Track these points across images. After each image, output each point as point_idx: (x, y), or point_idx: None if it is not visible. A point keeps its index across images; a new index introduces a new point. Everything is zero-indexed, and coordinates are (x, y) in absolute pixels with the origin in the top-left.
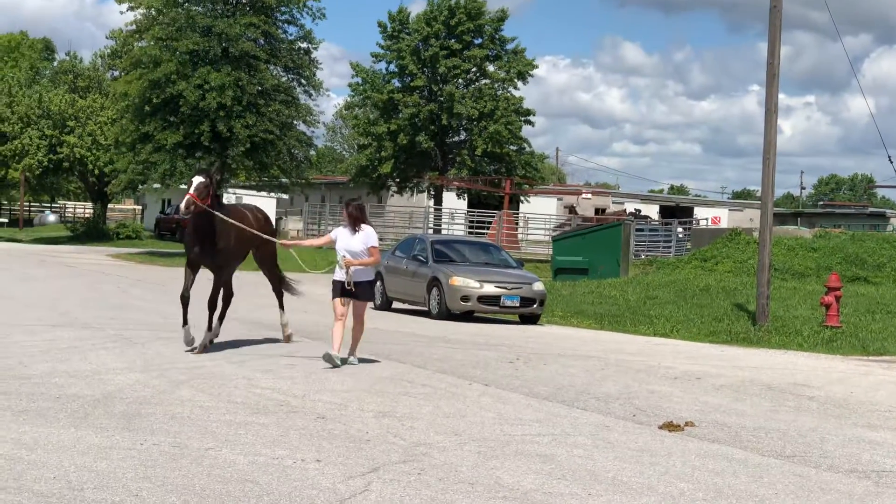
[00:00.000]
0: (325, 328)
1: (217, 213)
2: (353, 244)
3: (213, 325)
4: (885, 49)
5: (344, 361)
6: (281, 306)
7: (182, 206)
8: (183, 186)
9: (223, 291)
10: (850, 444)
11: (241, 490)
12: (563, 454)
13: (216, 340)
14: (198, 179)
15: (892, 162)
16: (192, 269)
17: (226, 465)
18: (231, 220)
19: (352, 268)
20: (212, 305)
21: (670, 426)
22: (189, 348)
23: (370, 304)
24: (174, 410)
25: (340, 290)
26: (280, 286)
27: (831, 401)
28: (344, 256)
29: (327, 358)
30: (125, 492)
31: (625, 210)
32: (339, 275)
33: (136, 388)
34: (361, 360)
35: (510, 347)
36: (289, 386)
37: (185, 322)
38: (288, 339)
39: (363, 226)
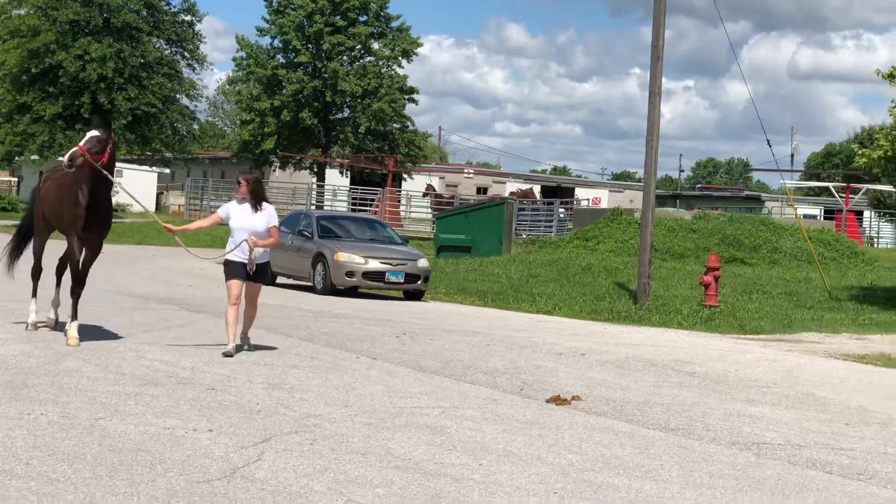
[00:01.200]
0: (210, 301)
1: (112, 177)
2: (256, 223)
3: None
4: (763, 36)
5: (239, 348)
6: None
7: (65, 159)
8: (60, 158)
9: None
10: (732, 418)
11: (134, 459)
12: (452, 426)
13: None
14: (92, 133)
15: (770, 145)
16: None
17: (117, 435)
18: (128, 191)
19: (256, 250)
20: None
21: (557, 400)
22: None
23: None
24: (61, 381)
25: (240, 272)
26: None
27: (712, 377)
28: (251, 238)
29: (227, 354)
30: (15, 460)
31: (519, 189)
32: (236, 255)
33: (20, 359)
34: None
35: (396, 323)
36: (177, 358)
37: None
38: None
39: (264, 204)
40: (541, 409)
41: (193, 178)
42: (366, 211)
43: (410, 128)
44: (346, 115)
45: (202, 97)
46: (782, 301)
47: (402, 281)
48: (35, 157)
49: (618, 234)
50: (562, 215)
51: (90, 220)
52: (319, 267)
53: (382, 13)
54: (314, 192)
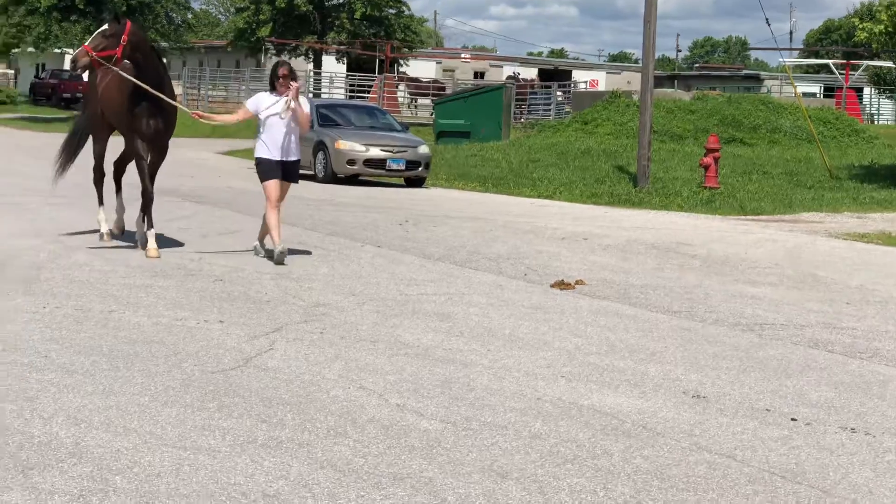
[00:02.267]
0: (211, 192)
1: (122, 71)
2: (288, 114)
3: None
4: None
5: (269, 252)
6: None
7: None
8: (57, 50)
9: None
10: (734, 300)
11: (149, 351)
12: (459, 312)
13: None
14: (100, 29)
15: (768, 23)
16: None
17: (130, 328)
18: (126, 76)
19: (292, 143)
20: (143, 190)
21: (561, 284)
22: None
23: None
24: (73, 274)
25: (276, 171)
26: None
27: (713, 258)
28: (290, 137)
29: (278, 257)
30: (34, 353)
31: (512, 74)
32: (266, 153)
33: (31, 253)
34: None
35: (398, 210)
36: (184, 250)
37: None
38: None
39: (300, 97)
40: (545, 294)
41: (190, 68)
42: (364, 98)
43: (406, 13)
44: (341, 1)
45: None
46: (782, 181)
47: (403, 168)
48: (31, 49)
49: (616, 116)
50: (560, 98)
51: (150, 117)
52: (320, 155)
53: None
54: (311, 80)
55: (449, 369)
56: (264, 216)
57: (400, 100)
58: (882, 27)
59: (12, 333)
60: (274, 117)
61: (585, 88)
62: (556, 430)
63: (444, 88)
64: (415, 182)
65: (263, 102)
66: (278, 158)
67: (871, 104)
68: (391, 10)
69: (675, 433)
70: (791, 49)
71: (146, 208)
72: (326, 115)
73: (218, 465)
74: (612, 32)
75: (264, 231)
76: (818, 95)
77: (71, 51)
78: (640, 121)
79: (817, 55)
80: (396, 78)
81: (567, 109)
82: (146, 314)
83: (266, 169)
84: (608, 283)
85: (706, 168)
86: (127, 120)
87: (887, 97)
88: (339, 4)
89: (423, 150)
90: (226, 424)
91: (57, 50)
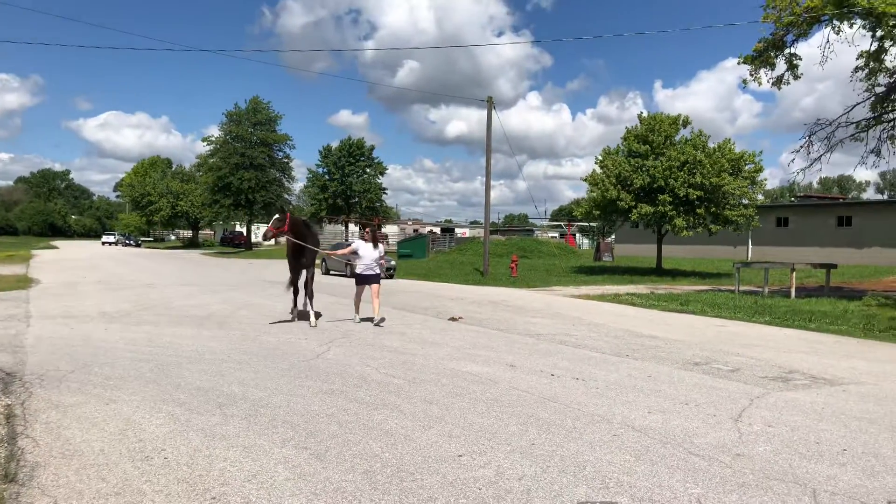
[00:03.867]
0: (327, 287)
1: (290, 237)
2: (374, 254)
3: (302, 302)
4: (530, 160)
5: (363, 321)
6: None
7: (262, 235)
8: (232, 223)
9: (307, 279)
10: (526, 323)
11: (275, 352)
12: (409, 331)
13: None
14: (274, 217)
15: (536, 207)
16: (293, 270)
17: (265, 343)
18: (294, 240)
19: (374, 266)
20: (306, 292)
21: (453, 319)
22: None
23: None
24: (240, 320)
25: (363, 280)
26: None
27: (516, 306)
28: (381, 263)
29: (357, 320)
30: (224, 356)
31: (430, 230)
32: (361, 270)
33: (221, 311)
34: (363, 319)
35: (382, 289)
36: (288, 308)
37: (296, 305)
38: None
39: (378, 244)
40: (446, 324)
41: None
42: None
43: (384, 205)
44: (356, 199)
45: (294, 193)
46: (544, 273)
47: (385, 272)
48: (220, 222)
49: (474, 247)
50: (450, 240)
51: (304, 257)
52: (348, 267)
53: (372, 155)
54: (343, 234)
55: (405, 357)
56: (355, 300)
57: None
58: (583, 210)
59: (214, 347)
60: (365, 255)
61: (460, 235)
62: (451, 382)
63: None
64: (389, 276)
65: (360, 245)
66: (365, 273)
67: (578, 240)
68: (377, 204)
69: (502, 382)
70: (545, 218)
71: (310, 297)
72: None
73: (307, 401)
74: (473, 211)
75: (357, 308)
76: (557, 237)
77: (238, 224)
78: (484, 248)
79: (557, 219)
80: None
81: (453, 245)
82: (273, 337)
83: (358, 279)
84: (473, 318)
85: (512, 268)
86: (293, 259)
87: (585, 236)
88: (355, 202)
89: (392, 262)
90: (307, 383)
91: (232, 223)
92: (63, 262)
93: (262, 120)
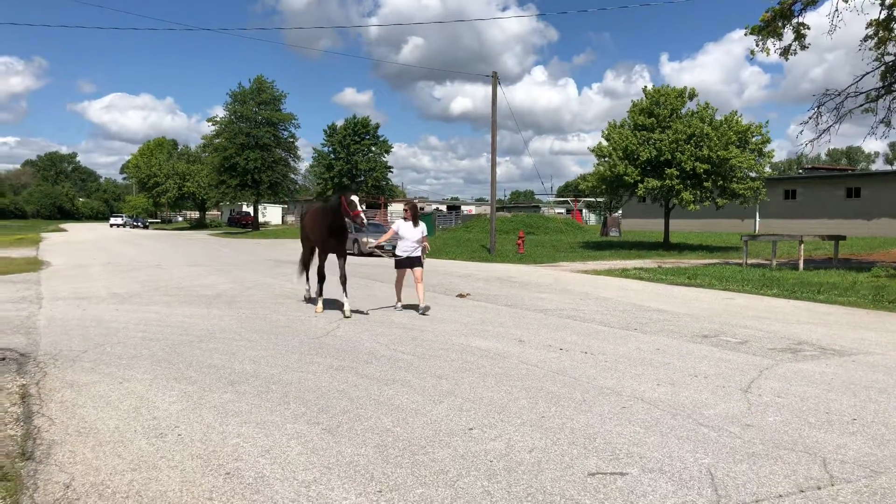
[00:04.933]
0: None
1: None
2: (416, 234)
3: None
4: (535, 136)
5: (405, 308)
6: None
7: (364, 220)
8: (240, 204)
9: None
10: (534, 299)
11: (285, 330)
12: (410, 318)
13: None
14: (356, 198)
15: (543, 183)
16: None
17: (275, 321)
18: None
19: (416, 248)
20: (340, 277)
21: (461, 295)
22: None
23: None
24: (249, 299)
25: (404, 264)
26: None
27: (523, 282)
28: (423, 245)
29: (398, 307)
30: (234, 334)
31: (436, 208)
32: (402, 252)
33: (230, 290)
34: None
35: (387, 266)
36: (297, 287)
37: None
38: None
39: (419, 222)
40: (454, 300)
41: (297, 209)
42: (373, 219)
43: (390, 183)
44: (362, 178)
45: (300, 173)
46: (551, 249)
47: (391, 249)
48: (227, 203)
49: (480, 224)
50: (456, 218)
51: (339, 240)
52: (356, 245)
53: (377, 133)
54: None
55: (414, 333)
56: (395, 285)
57: (389, 219)
58: (589, 184)
59: (224, 325)
60: (406, 236)
61: (466, 213)
62: (460, 356)
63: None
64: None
65: (401, 225)
66: (406, 256)
67: (585, 216)
68: (383, 183)
69: (511, 357)
70: (552, 194)
71: (343, 283)
72: (357, 227)
73: (317, 377)
74: (479, 189)
75: (398, 295)
76: (564, 213)
77: (245, 204)
78: (490, 225)
79: (564, 195)
80: (387, 210)
81: (458, 222)
82: (282, 315)
83: (398, 263)
84: (481, 294)
85: (519, 244)
86: (330, 239)
87: (592, 212)
88: (361, 181)
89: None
90: (318, 360)
91: (239, 203)
92: (72, 244)
93: (266, 99)
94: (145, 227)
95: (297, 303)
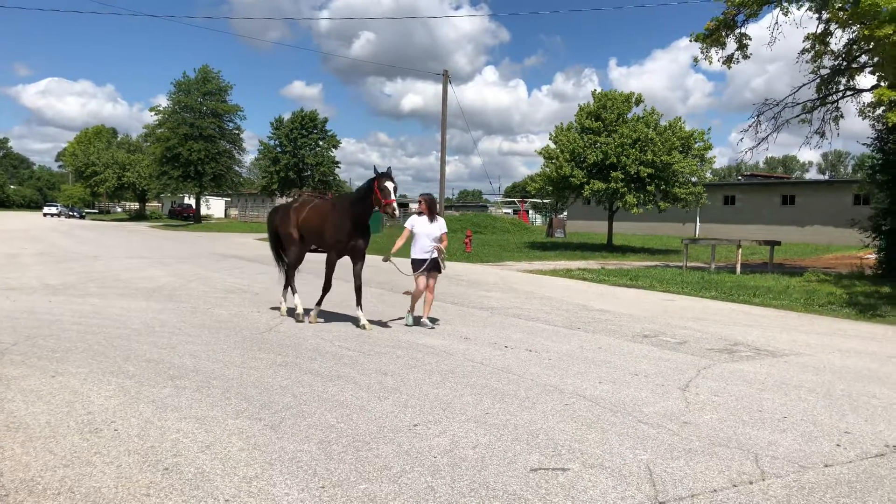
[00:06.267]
0: (253, 254)
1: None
2: (433, 230)
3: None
4: (485, 136)
5: (416, 321)
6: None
7: (395, 213)
8: (182, 196)
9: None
10: (480, 297)
11: (227, 325)
12: (367, 307)
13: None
14: (392, 185)
15: (491, 183)
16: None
17: (217, 316)
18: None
19: (432, 249)
20: (355, 285)
21: (408, 293)
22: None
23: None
24: (190, 293)
25: (427, 266)
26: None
27: (471, 280)
28: (436, 246)
29: (420, 322)
30: (174, 328)
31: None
32: (419, 254)
33: (171, 283)
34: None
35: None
36: (242, 281)
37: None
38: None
39: (437, 216)
40: (401, 298)
41: (241, 202)
42: None
43: (338, 178)
44: (308, 173)
45: (245, 166)
46: (498, 249)
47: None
48: (169, 195)
49: None
50: (405, 215)
51: (361, 241)
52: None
53: (325, 127)
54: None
55: (360, 330)
56: (413, 294)
57: None
58: (537, 185)
59: (164, 319)
60: (421, 233)
61: (413, 209)
62: (407, 353)
63: None
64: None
65: (415, 222)
66: (422, 257)
67: (532, 217)
68: (330, 178)
69: (457, 354)
70: (499, 194)
71: (358, 293)
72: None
73: (260, 373)
74: (428, 187)
75: (413, 304)
76: (511, 213)
77: (187, 196)
78: None
79: (511, 196)
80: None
81: (403, 224)
82: (225, 310)
83: (417, 266)
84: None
85: (467, 243)
86: (347, 240)
87: (537, 213)
88: (307, 175)
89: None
90: (261, 355)
91: (181, 195)
92: (1, 232)
93: (212, 90)
94: (82, 217)
95: (240, 297)
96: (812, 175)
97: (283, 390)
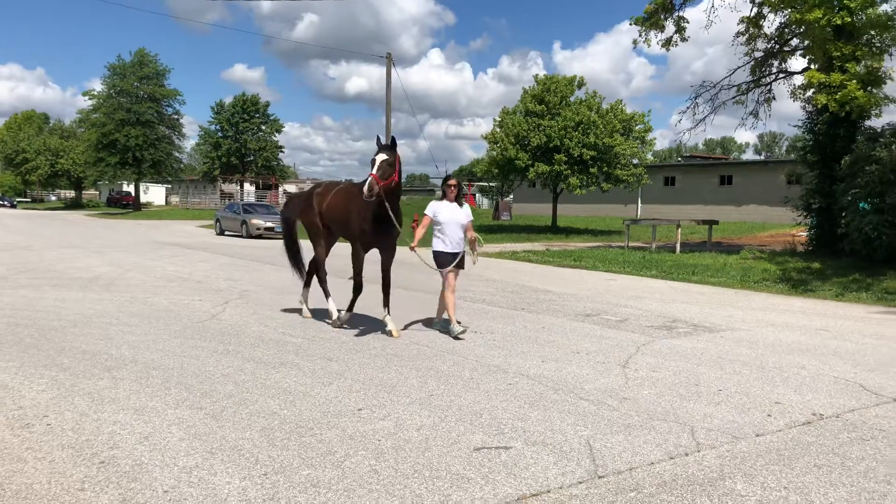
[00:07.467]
0: (190, 240)
1: (378, 196)
2: (461, 216)
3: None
4: (431, 120)
5: (444, 325)
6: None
7: (365, 189)
8: (120, 183)
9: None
10: (426, 281)
11: (166, 314)
12: (339, 286)
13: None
14: (381, 157)
15: (437, 167)
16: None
17: (155, 305)
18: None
19: (460, 240)
20: (383, 283)
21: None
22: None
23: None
24: (129, 282)
25: (450, 260)
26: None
27: (416, 263)
28: (473, 236)
29: (457, 331)
30: (112, 319)
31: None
32: (442, 246)
33: (108, 273)
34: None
35: (279, 250)
36: (182, 268)
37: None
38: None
39: (464, 203)
40: (346, 283)
41: (182, 189)
42: (263, 200)
43: (281, 163)
44: (251, 158)
45: (185, 151)
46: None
47: (281, 231)
48: (106, 182)
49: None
50: None
51: (388, 235)
52: (244, 227)
53: (268, 112)
54: (239, 193)
55: (297, 317)
56: (441, 295)
57: (279, 200)
58: (483, 168)
59: (101, 310)
60: (449, 220)
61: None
62: (351, 338)
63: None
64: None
65: (438, 208)
66: (451, 251)
67: (478, 200)
68: (275, 163)
69: (403, 337)
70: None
71: (386, 292)
72: (247, 208)
73: (201, 362)
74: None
75: (441, 309)
76: None
77: (126, 184)
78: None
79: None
80: (278, 191)
81: None
82: (164, 298)
83: (442, 260)
84: (371, 277)
85: (414, 229)
86: (372, 233)
87: (485, 197)
88: (250, 160)
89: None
90: (202, 344)
91: (119, 182)
92: None
93: (149, 74)
94: (13, 206)
95: (180, 285)
96: (749, 156)
97: (225, 378)
